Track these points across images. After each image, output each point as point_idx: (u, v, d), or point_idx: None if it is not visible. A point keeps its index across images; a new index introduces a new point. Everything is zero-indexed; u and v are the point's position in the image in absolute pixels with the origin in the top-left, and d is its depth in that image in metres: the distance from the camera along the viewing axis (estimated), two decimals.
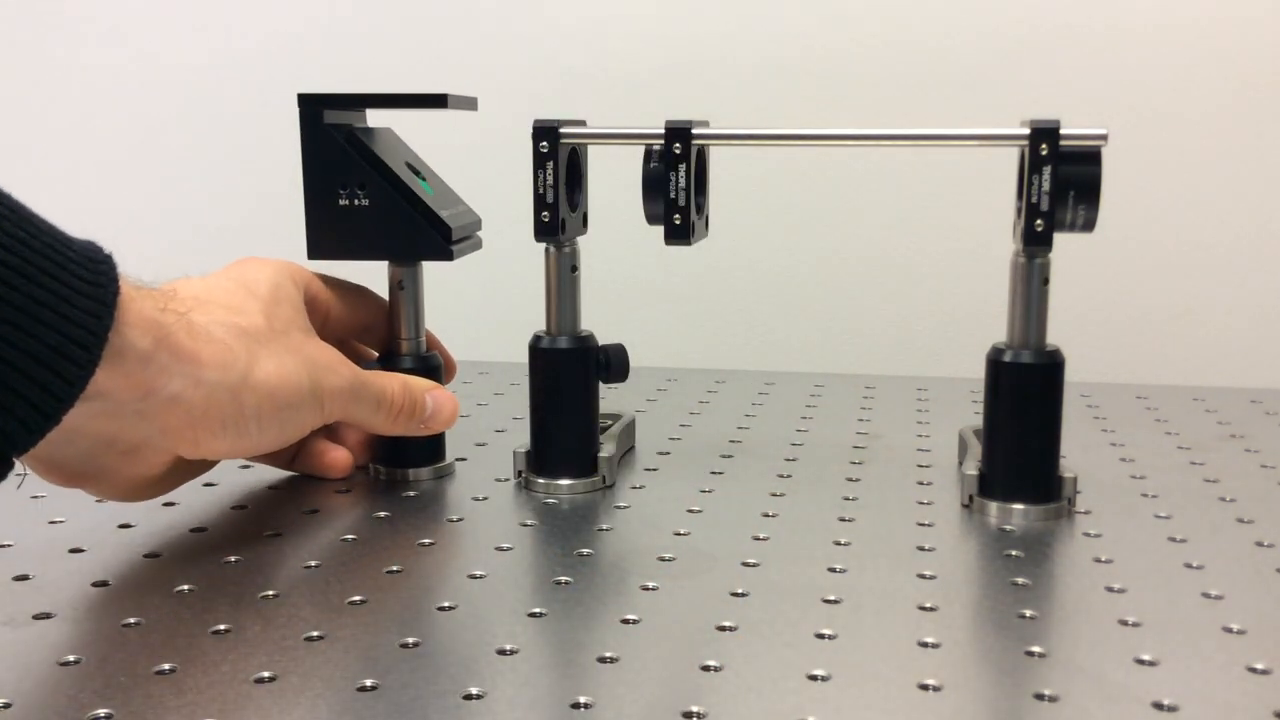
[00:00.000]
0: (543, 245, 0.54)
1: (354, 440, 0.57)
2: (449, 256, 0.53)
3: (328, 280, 0.55)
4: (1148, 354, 0.89)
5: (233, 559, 0.46)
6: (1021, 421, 0.51)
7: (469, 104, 0.55)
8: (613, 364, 0.55)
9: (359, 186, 0.52)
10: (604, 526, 0.50)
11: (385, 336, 0.57)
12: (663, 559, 0.46)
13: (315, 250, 0.54)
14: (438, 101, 0.52)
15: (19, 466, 0.36)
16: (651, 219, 0.53)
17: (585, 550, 0.47)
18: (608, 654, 0.37)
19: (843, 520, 0.51)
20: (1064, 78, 0.86)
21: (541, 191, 0.52)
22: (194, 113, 0.99)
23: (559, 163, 0.52)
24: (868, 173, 0.90)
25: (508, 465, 0.58)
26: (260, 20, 0.97)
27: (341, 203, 0.53)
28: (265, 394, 0.44)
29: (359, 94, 0.53)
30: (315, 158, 0.53)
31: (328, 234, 0.53)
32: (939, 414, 0.70)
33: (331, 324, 0.55)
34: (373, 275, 0.57)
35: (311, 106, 0.52)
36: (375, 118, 0.56)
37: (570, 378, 0.54)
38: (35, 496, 0.53)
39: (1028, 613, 0.41)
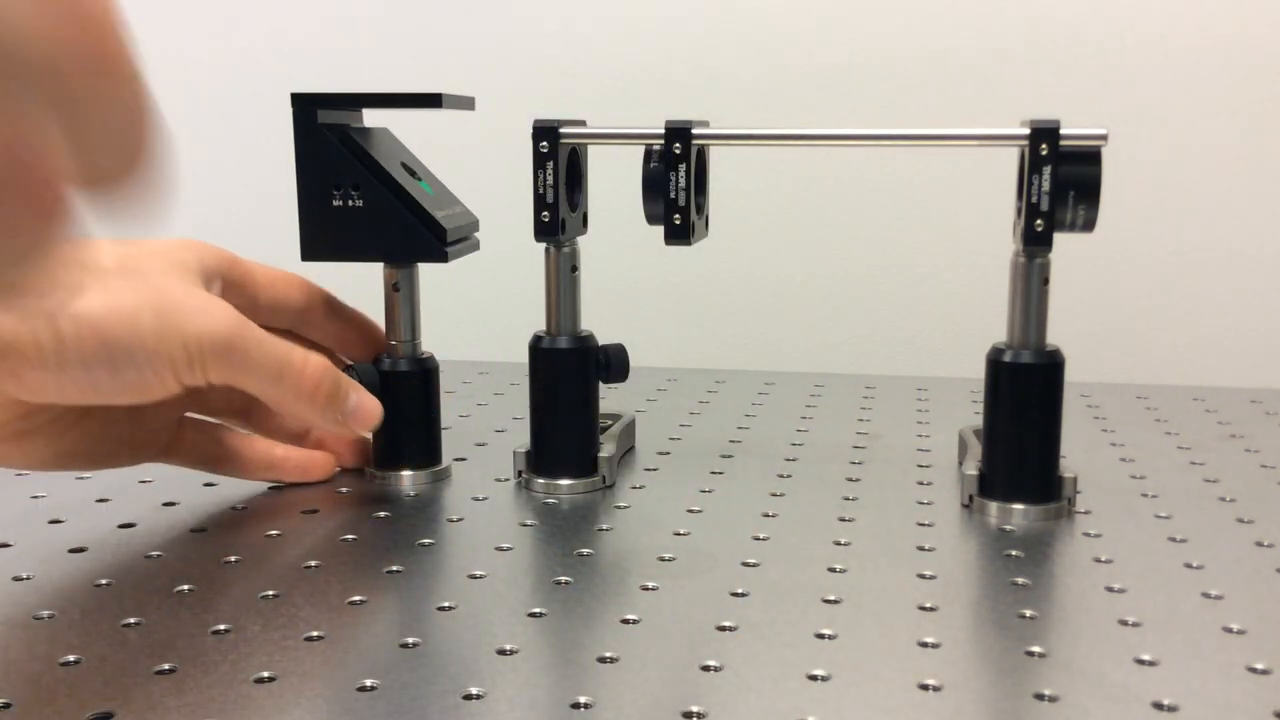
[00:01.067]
0: (543, 245, 0.54)
1: (344, 443, 0.57)
2: (444, 258, 0.53)
3: (259, 266, 0.53)
4: (1148, 354, 0.89)
5: (233, 559, 0.46)
6: (1021, 421, 0.51)
7: (465, 103, 0.54)
8: (613, 364, 0.55)
9: (353, 187, 0.52)
10: (604, 526, 0.50)
11: (325, 324, 0.55)
12: (663, 559, 0.46)
13: (309, 252, 0.54)
14: (432, 101, 0.51)
15: None
16: (651, 219, 0.53)
17: (585, 550, 0.47)
18: (608, 654, 0.37)
19: (843, 520, 0.51)
20: (1064, 78, 0.86)
21: (541, 191, 0.52)
22: (190, 112, 0.99)
23: (559, 163, 0.52)
24: (868, 173, 0.90)
25: (508, 465, 0.58)
26: (257, 19, 0.97)
27: (335, 203, 0.52)
28: (87, 324, 0.40)
29: (353, 94, 0.53)
30: (309, 158, 0.52)
31: (321, 235, 0.53)
32: (939, 414, 0.70)
33: (263, 308, 0.53)
34: (368, 276, 0.56)
35: (305, 106, 0.52)
36: (372, 118, 0.56)
37: (570, 378, 0.54)
38: (35, 496, 0.53)
39: (1028, 613, 0.41)
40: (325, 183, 0.52)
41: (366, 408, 0.49)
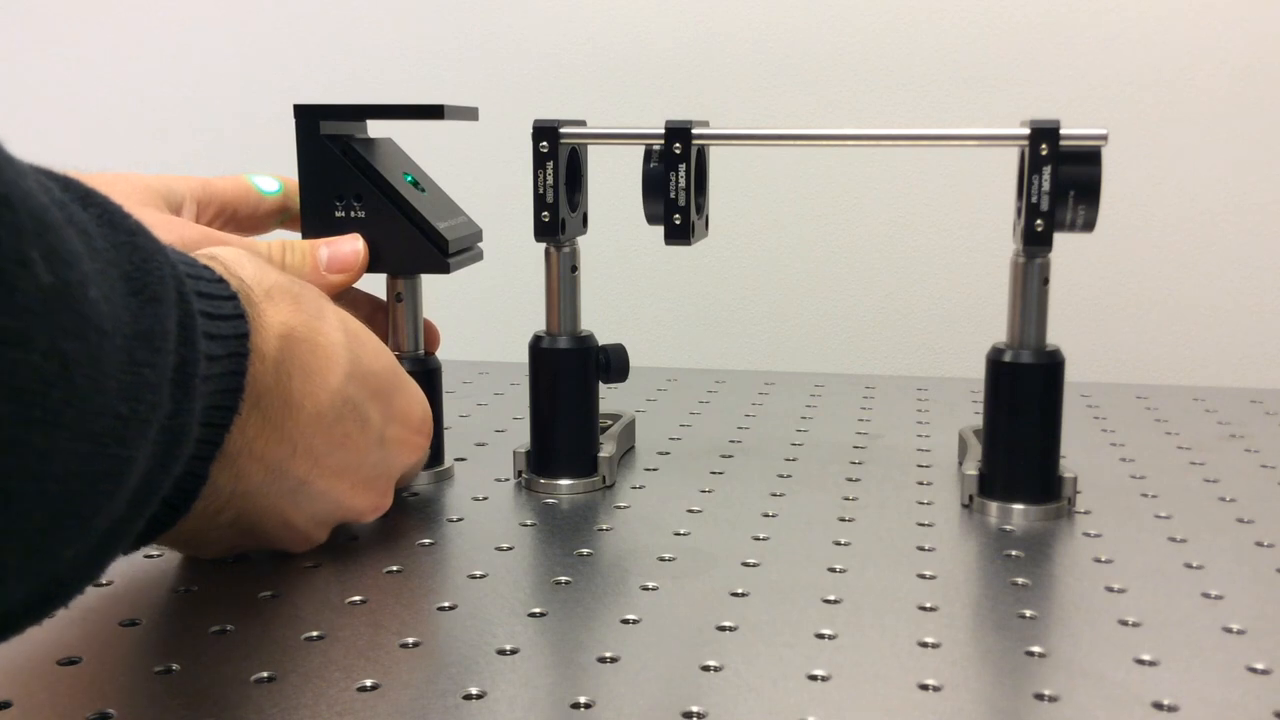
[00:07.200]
0: (543, 245, 0.54)
1: None
2: (445, 269, 0.53)
3: (228, 182, 0.56)
4: (1148, 354, 0.89)
5: (232, 559, 0.46)
6: (1021, 421, 0.51)
7: (468, 114, 0.54)
8: (613, 364, 0.55)
9: (355, 198, 0.52)
10: (604, 526, 0.50)
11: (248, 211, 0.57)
12: (663, 559, 0.46)
13: None
14: (434, 112, 0.51)
15: None
16: (651, 219, 0.53)
17: (585, 550, 0.47)
18: (608, 654, 0.37)
19: (843, 520, 0.51)
20: (1064, 78, 0.86)
21: (541, 191, 0.52)
22: (194, 123, 0.99)
23: (559, 163, 0.52)
24: (868, 172, 0.90)
25: (508, 465, 0.58)
26: (261, 27, 0.97)
27: (338, 215, 0.52)
28: None
29: (355, 105, 0.53)
30: (311, 169, 0.52)
31: None
32: (939, 414, 0.70)
33: (242, 220, 0.56)
34: (371, 285, 0.56)
35: (307, 118, 0.52)
36: (375, 128, 0.56)
37: (570, 378, 0.54)
38: None
39: (1028, 613, 0.41)
40: (327, 194, 0.52)
41: (341, 253, 0.51)
